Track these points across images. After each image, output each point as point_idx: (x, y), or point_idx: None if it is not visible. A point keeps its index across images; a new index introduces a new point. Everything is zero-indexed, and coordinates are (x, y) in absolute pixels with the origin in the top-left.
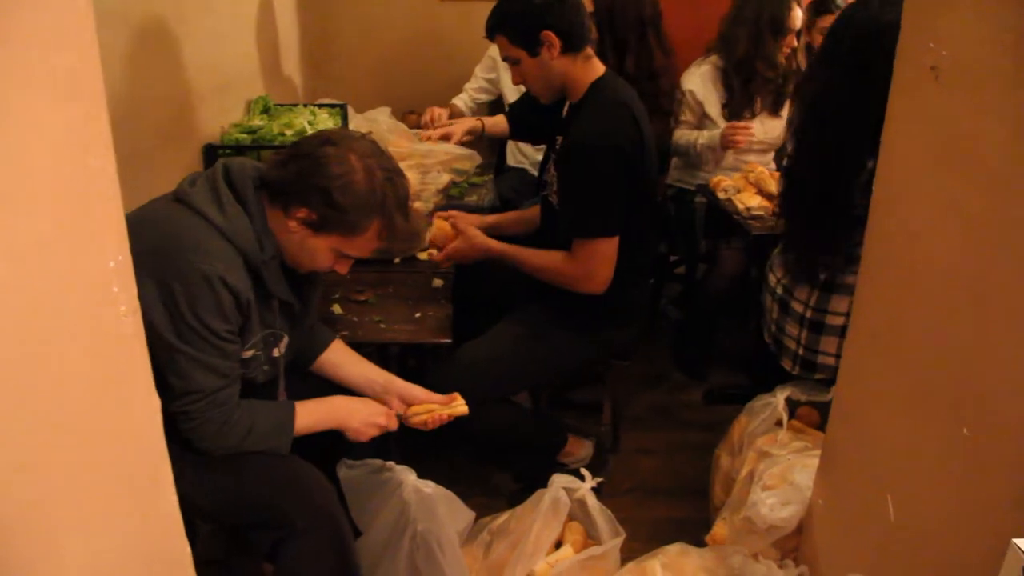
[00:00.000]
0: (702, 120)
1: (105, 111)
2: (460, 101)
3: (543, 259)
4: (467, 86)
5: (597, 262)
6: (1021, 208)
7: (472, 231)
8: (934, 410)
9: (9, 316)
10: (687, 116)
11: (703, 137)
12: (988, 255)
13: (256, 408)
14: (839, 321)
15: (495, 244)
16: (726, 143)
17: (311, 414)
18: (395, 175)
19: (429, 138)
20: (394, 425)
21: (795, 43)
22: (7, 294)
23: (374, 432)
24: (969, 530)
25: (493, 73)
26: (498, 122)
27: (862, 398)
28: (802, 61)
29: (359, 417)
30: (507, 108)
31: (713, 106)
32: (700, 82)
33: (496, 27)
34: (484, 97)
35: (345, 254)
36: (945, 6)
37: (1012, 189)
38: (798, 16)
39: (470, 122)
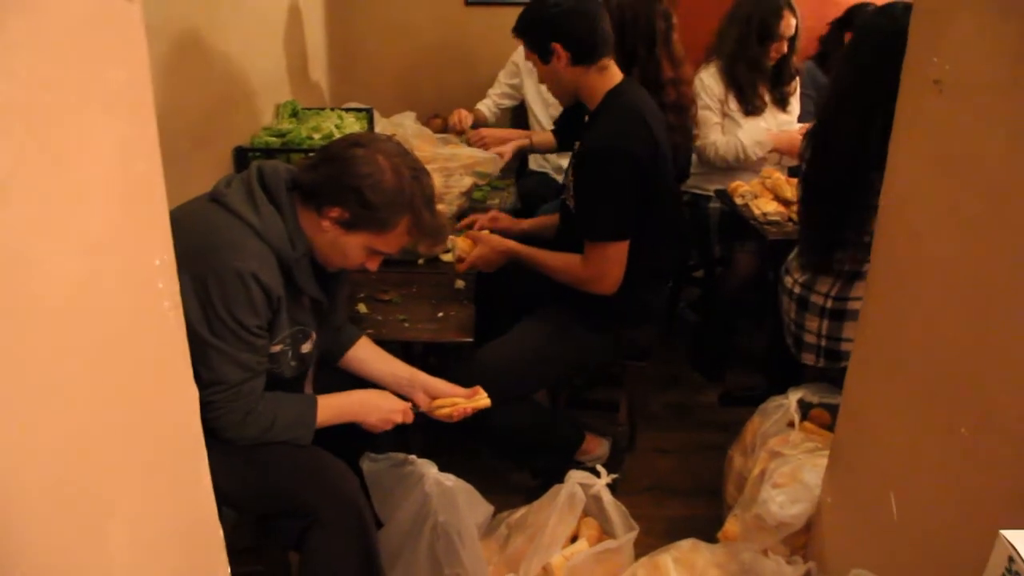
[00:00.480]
0: (725, 119)
1: (153, 122)
2: (484, 107)
3: (557, 260)
4: (491, 91)
5: (608, 264)
6: (1017, 213)
7: (490, 236)
8: (935, 410)
9: (65, 311)
10: (715, 119)
11: (746, 136)
12: (986, 260)
13: (280, 400)
14: (860, 306)
15: (514, 245)
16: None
17: (332, 407)
18: (421, 173)
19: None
20: (409, 420)
21: (784, 49)
22: (64, 291)
23: (388, 427)
24: (966, 525)
25: (516, 79)
26: (546, 138)
27: (868, 399)
28: (798, 63)
29: (376, 412)
30: (554, 122)
31: (732, 102)
32: (714, 82)
33: (518, 31)
34: (507, 103)
35: (376, 250)
36: (948, 23)
37: (1008, 195)
38: (791, 24)
39: (520, 141)
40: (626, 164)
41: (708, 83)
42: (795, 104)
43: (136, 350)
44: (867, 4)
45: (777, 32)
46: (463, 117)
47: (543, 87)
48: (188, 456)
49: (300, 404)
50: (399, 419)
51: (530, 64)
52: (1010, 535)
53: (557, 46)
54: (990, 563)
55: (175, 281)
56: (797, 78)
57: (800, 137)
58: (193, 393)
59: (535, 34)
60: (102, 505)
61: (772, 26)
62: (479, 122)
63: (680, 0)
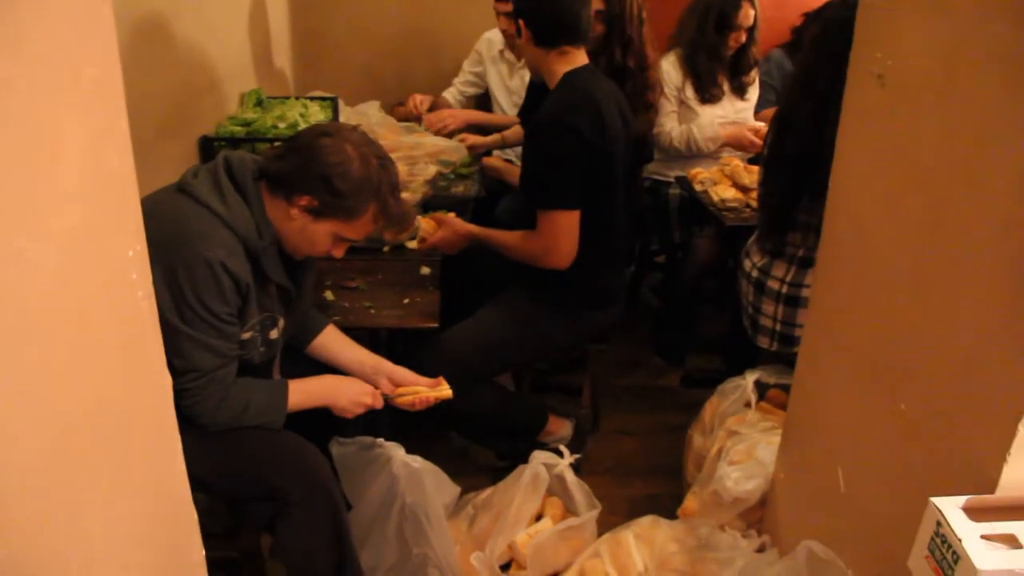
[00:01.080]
0: (681, 107)
1: (125, 117)
2: (449, 95)
3: (511, 238)
4: (455, 80)
5: (558, 234)
6: (949, 204)
7: (453, 220)
8: (877, 389)
9: (43, 301)
10: (671, 107)
11: (699, 131)
12: (923, 248)
13: (252, 386)
14: None
15: (474, 228)
16: (744, 145)
17: (302, 392)
18: (387, 162)
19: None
20: (379, 404)
21: (742, 39)
22: (42, 281)
23: (360, 410)
24: (905, 495)
25: (480, 67)
26: (517, 132)
27: (817, 379)
28: (756, 53)
29: (346, 396)
30: (519, 113)
31: (689, 89)
32: (673, 70)
33: None
34: (471, 90)
35: (343, 237)
36: (890, 20)
37: (942, 187)
38: (749, 15)
39: (494, 138)
40: (571, 136)
41: (667, 70)
42: (753, 93)
43: (111, 339)
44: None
45: (735, 22)
46: (419, 101)
47: (505, 75)
48: (162, 442)
49: (272, 389)
50: (368, 401)
51: (493, 52)
52: (938, 502)
53: (521, 23)
54: (921, 527)
55: (148, 271)
56: (756, 68)
57: (749, 133)
58: (167, 380)
59: (514, 6)
60: (79, 492)
61: (730, 16)
62: (443, 107)
63: None
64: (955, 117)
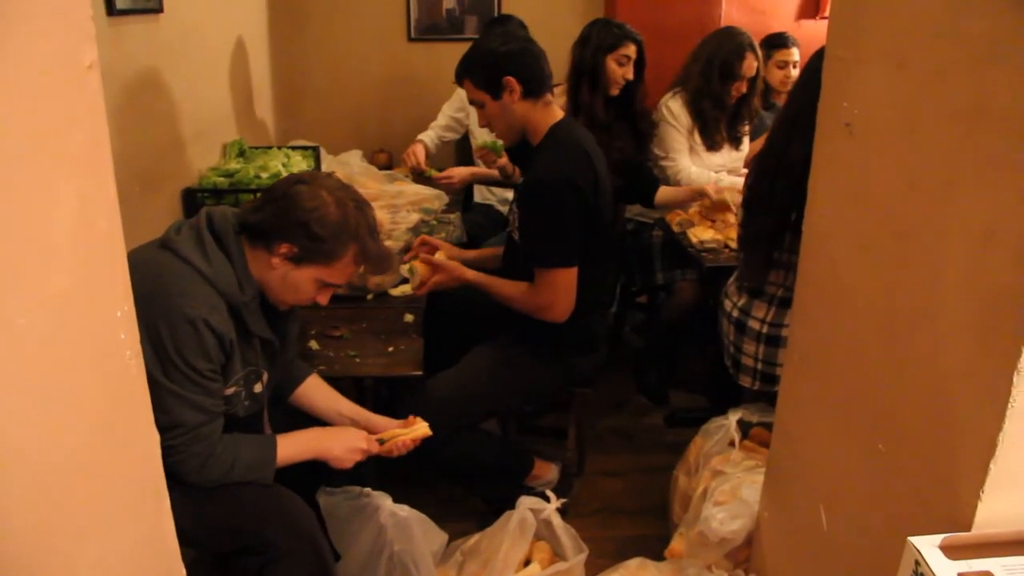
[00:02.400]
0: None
1: (113, 181)
2: (427, 138)
3: (511, 289)
4: (434, 124)
5: (558, 291)
6: (917, 247)
7: (449, 263)
8: (856, 428)
9: (34, 361)
10: (685, 144)
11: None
12: (895, 290)
13: (239, 442)
14: None
15: (471, 273)
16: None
17: (293, 445)
18: (363, 204)
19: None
20: (375, 449)
21: (744, 89)
22: (34, 342)
23: (357, 457)
24: (885, 533)
25: (461, 112)
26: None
27: (798, 419)
28: (757, 104)
29: (340, 445)
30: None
31: (697, 135)
32: (682, 112)
33: (463, 72)
34: (450, 136)
35: (326, 282)
36: (855, 71)
37: (909, 232)
38: (752, 66)
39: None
40: (570, 193)
41: (677, 112)
42: (746, 143)
43: (99, 397)
44: (781, 34)
45: (739, 72)
46: (414, 153)
47: None
48: (151, 500)
49: (260, 444)
50: (364, 447)
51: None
52: (916, 541)
53: (511, 79)
54: (901, 566)
55: (136, 331)
56: (756, 118)
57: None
58: (155, 438)
59: (487, 70)
60: (69, 549)
61: (734, 66)
62: (420, 150)
63: None
64: (920, 166)
